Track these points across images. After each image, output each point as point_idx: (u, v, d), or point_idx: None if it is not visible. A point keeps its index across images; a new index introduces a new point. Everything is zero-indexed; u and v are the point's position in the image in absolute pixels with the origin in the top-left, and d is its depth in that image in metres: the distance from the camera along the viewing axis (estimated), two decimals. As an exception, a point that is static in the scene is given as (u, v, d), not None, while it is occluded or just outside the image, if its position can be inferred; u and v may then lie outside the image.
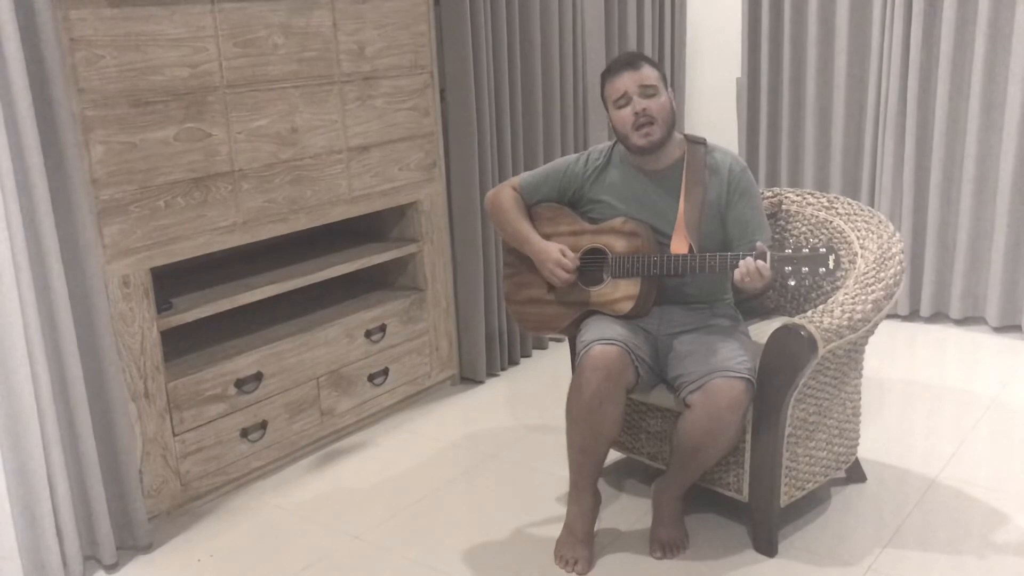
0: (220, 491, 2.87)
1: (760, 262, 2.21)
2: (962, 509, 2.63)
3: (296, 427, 3.05)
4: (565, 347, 3.27)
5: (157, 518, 2.70)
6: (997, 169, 3.83)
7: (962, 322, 4.04)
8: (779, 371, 2.29)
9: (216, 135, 2.70)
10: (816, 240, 2.76)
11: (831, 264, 2.17)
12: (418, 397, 3.52)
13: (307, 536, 2.64)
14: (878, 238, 2.58)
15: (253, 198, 2.83)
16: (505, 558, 2.49)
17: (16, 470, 2.31)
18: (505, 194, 2.66)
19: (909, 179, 4.00)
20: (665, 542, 2.46)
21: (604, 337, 2.35)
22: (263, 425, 2.95)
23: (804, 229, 2.80)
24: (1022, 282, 3.87)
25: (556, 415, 2.55)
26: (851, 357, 2.50)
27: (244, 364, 2.88)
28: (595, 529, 2.49)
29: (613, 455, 2.82)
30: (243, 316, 3.08)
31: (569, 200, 2.63)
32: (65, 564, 2.41)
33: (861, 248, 2.60)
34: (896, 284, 2.45)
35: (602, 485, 2.55)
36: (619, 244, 2.48)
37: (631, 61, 2.44)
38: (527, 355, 3.94)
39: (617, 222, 2.50)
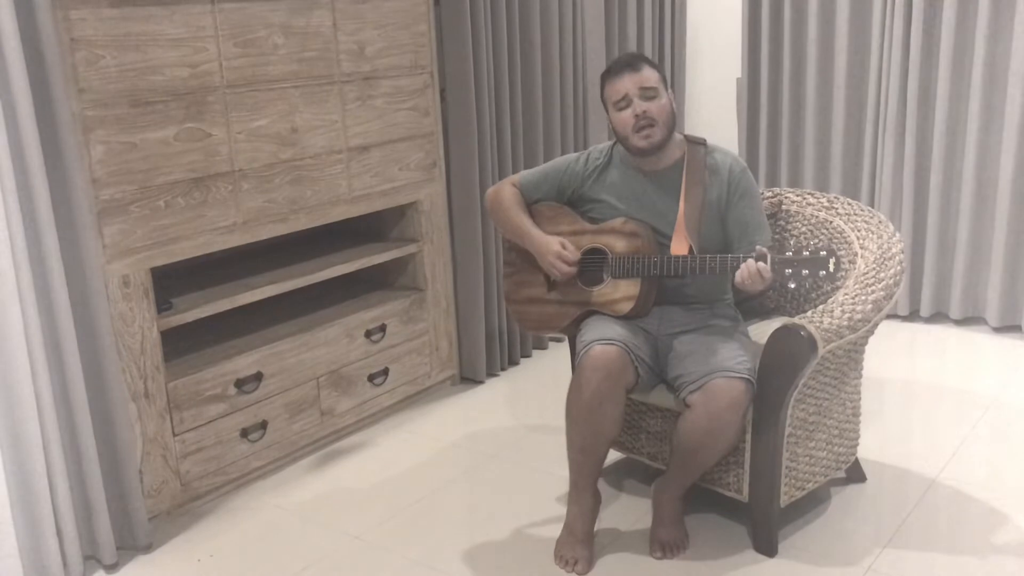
0: (220, 491, 2.87)
1: (761, 264, 2.21)
2: (962, 509, 2.63)
3: (296, 427, 3.05)
4: (565, 347, 3.27)
5: (157, 518, 2.70)
6: (997, 169, 3.83)
7: (962, 322, 4.04)
8: (779, 371, 2.29)
9: (216, 135, 2.70)
10: (816, 241, 2.76)
11: (831, 267, 2.17)
12: (418, 397, 3.52)
13: (307, 536, 2.64)
14: (878, 238, 2.58)
15: (253, 198, 2.83)
16: (505, 558, 2.49)
17: (16, 470, 2.31)
18: (506, 190, 2.66)
19: (909, 179, 4.00)
20: (665, 542, 2.46)
21: (604, 337, 2.35)
22: (263, 425, 2.95)
23: (804, 229, 2.80)
24: (1022, 282, 3.87)
25: (556, 415, 2.55)
26: (851, 357, 2.50)
27: (244, 364, 2.88)
28: (595, 529, 2.49)
29: (613, 455, 2.82)
30: (243, 316, 3.08)
31: (569, 199, 2.63)
32: (65, 564, 2.41)
33: (861, 248, 2.60)
34: (896, 284, 2.45)
35: (602, 485, 2.55)
36: (619, 244, 2.48)
37: (631, 62, 2.44)
38: (527, 355, 3.94)
39: (617, 222, 2.50)
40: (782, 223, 2.85)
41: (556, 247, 2.51)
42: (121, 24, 2.45)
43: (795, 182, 4.43)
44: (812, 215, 2.79)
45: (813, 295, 2.75)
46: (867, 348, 2.63)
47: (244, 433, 2.89)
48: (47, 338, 2.32)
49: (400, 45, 3.21)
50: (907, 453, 2.94)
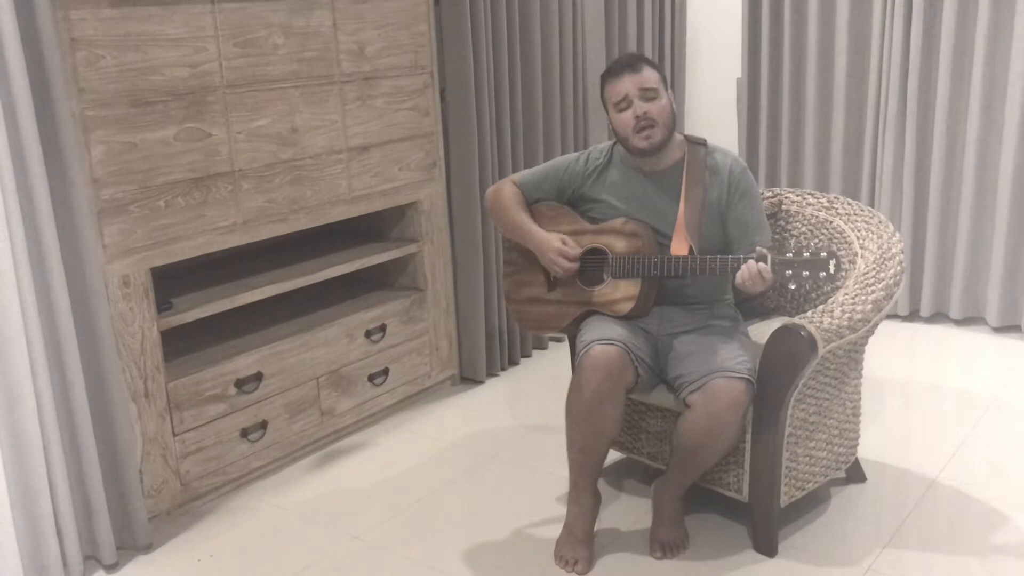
0: (220, 491, 2.87)
1: (762, 265, 2.21)
2: (962, 509, 2.63)
3: (296, 427, 3.05)
4: (565, 347, 3.27)
5: (157, 518, 2.70)
6: (997, 169, 3.83)
7: (962, 322, 4.04)
8: (779, 371, 2.29)
9: (216, 135, 2.70)
10: (816, 241, 2.76)
11: (832, 269, 2.16)
12: (418, 397, 3.52)
13: (307, 536, 2.64)
14: (878, 238, 2.58)
15: (253, 198, 2.83)
16: (505, 558, 2.49)
17: (16, 470, 2.31)
18: (506, 189, 2.66)
19: (909, 179, 4.00)
20: (665, 542, 2.46)
21: (604, 337, 2.35)
22: (263, 425, 2.95)
23: (804, 229, 2.80)
24: (1022, 282, 3.87)
25: (556, 415, 2.55)
26: (851, 357, 2.50)
27: (244, 364, 2.88)
28: (595, 529, 2.49)
29: (613, 455, 2.82)
30: (243, 316, 3.08)
31: (569, 199, 2.63)
32: (65, 564, 2.41)
33: (861, 248, 2.60)
34: (896, 284, 2.45)
35: (602, 485, 2.55)
36: (619, 244, 2.48)
37: (631, 63, 2.44)
38: (527, 355, 3.94)
39: (618, 222, 2.50)
40: (782, 223, 2.85)
41: (557, 244, 2.50)
42: (121, 24, 2.45)
43: (795, 182, 4.43)
44: (812, 215, 2.79)
45: (813, 295, 2.75)
46: (867, 348, 2.63)
47: (244, 433, 2.89)
48: (47, 338, 2.32)
49: (400, 45, 3.21)
50: (907, 453, 2.94)
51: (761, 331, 2.57)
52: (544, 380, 3.71)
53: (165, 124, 2.58)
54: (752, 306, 2.79)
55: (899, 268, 2.47)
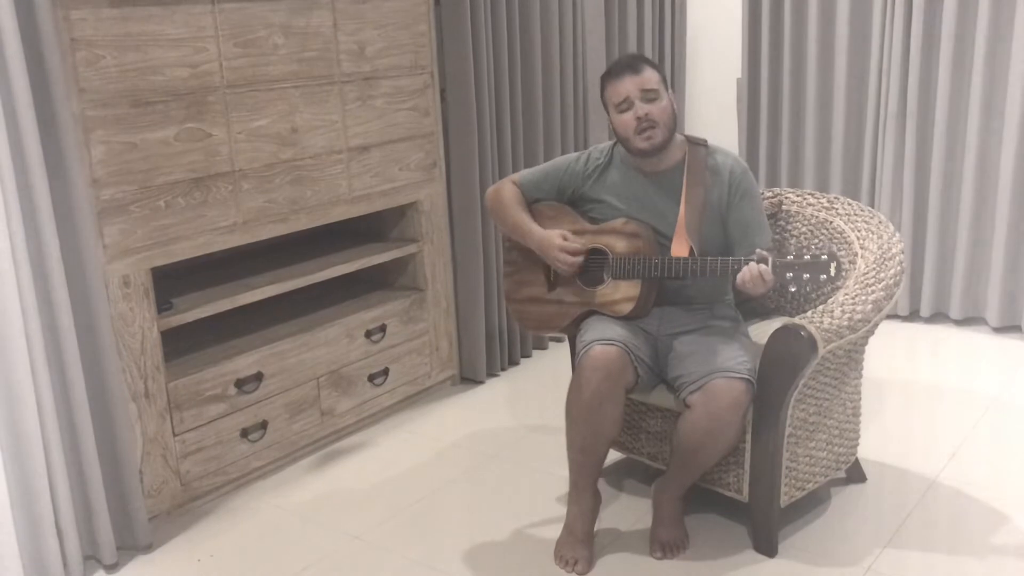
0: (220, 491, 2.87)
1: (763, 267, 2.20)
2: (962, 509, 2.63)
3: (296, 427, 3.06)
4: (565, 347, 3.27)
5: (157, 518, 2.70)
6: (997, 169, 3.83)
7: (962, 322, 4.04)
8: (779, 371, 2.29)
9: (216, 135, 2.70)
10: (816, 241, 2.76)
11: (832, 271, 2.16)
12: (418, 397, 3.52)
13: (307, 536, 2.64)
14: (878, 238, 2.58)
15: (253, 198, 2.83)
16: (505, 558, 2.49)
17: (16, 470, 2.31)
18: (506, 189, 2.66)
19: (909, 179, 4.00)
20: (665, 542, 2.46)
21: (604, 337, 2.35)
22: (263, 425, 2.95)
23: (804, 229, 2.80)
24: (1022, 282, 3.87)
25: (556, 415, 2.55)
26: (851, 357, 2.50)
27: (244, 364, 2.88)
28: (595, 529, 2.49)
29: (613, 455, 2.82)
30: (243, 316, 3.08)
31: (569, 199, 2.63)
32: (65, 564, 2.41)
33: (861, 248, 2.60)
34: (896, 284, 2.45)
35: (602, 485, 2.55)
36: (620, 245, 2.48)
37: (632, 64, 2.43)
38: (527, 355, 3.94)
39: (618, 223, 2.50)
40: (782, 223, 2.85)
41: (558, 241, 2.50)
42: (121, 24, 2.45)
43: (795, 182, 4.43)
44: (812, 215, 2.79)
45: (813, 295, 2.75)
46: (867, 348, 2.63)
47: (244, 433, 2.89)
48: (47, 338, 2.32)
49: (400, 45, 3.21)
50: (907, 453, 2.94)
51: (761, 331, 2.57)
52: (544, 380, 3.71)
53: (165, 124, 2.58)
54: (752, 306, 2.79)
55: (899, 268, 2.47)
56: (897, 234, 2.59)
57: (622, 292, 2.48)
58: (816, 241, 2.77)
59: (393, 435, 3.26)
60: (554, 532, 2.52)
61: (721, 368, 2.30)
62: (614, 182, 2.54)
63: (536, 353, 3.96)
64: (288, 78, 2.87)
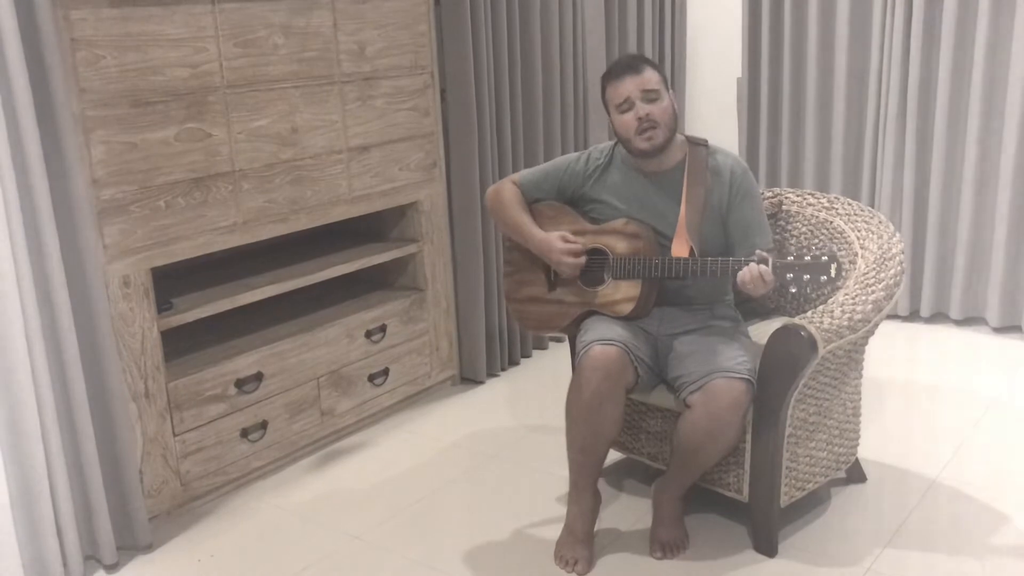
0: (220, 491, 2.87)
1: (763, 267, 2.20)
2: (962, 509, 2.63)
3: (296, 427, 3.06)
4: (565, 347, 3.27)
5: (157, 518, 2.70)
6: (997, 169, 3.83)
7: (962, 323, 4.04)
8: (779, 371, 2.29)
9: (216, 135, 2.70)
10: (817, 241, 2.76)
11: (833, 272, 2.16)
12: (418, 397, 3.52)
13: (307, 536, 2.64)
14: (878, 238, 2.58)
15: (253, 198, 2.83)
16: (505, 558, 2.49)
17: (16, 470, 2.31)
18: (506, 189, 2.66)
19: (909, 179, 4.00)
20: (665, 542, 2.46)
21: (604, 337, 2.35)
22: (263, 425, 2.95)
23: (804, 230, 2.80)
24: (1022, 283, 3.87)
25: (556, 415, 2.55)
26: (851, 357, 2.50)
27: (244, 364, 2.88)
28: (595, 529, 2.49)
29: (613, 455, 2.82)
30: (243, 316, 3.08)
31: (569, 199, 2.63)
32: (65, 564, 2.41)
33: (861, 248, 2.60)
34: (896, 284, 2.45)
35: (602, 485, 2.55)
36: (620, 245, 2.48)
37: (632, 64, 2.43)
38: (527, 355, 3.94)
39: (619, 223, 2.50)
40: (782, 223, 2.85)
41: (560, 244, 2.50)
42: (121, 24, 2.45)
43: (795, 182, 4.43)
44: (812, 215, 2.79)
45: (814, 296, 2.75)
46: (867, 348, 2.63)
47: (244, 433, 2.89)
48: (47, 338, 2.32)
49: (400, 45, 3.21)
50: (907, 453, 2.94)
51: (761, 331, 2.57)
52: (544, 380, 3.71)
53: (165, 124, 2.58)
54: (752, 307, 2.79)
55: (899, 268, 2.47)
56: (897, 234, 2.59)
57: (622, 292, 2.48)
58: (816, 241, 2.77)
59: (393, 435, 3.26)
60: (554, 532, 2.52)
61: (721, 368, 2.30)
62: (615, 182, 2.54)
63: (536, 353, 3.96)
64: (288, 78, 2.87)
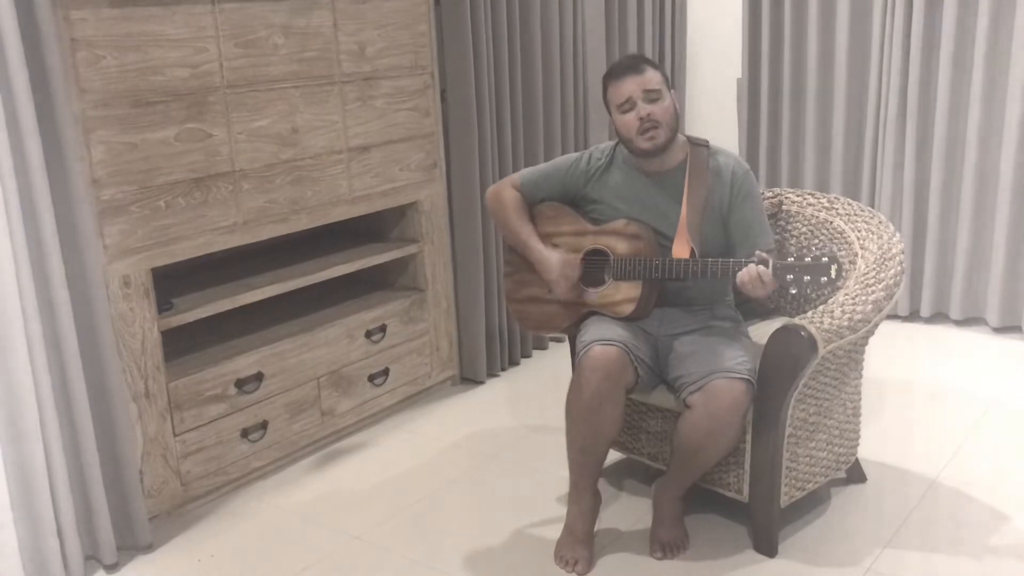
0: (220, 491, 2.87)
1: (762, 268, 2.20)
2: (962, 509, 2.63)
3: (296, 427, 3.06)
4: (565, 347, 3.27)
5: (158, 518, 2.70)
6: (997, 170, 3.83)
7: (962, 323, 4.05)
8: (779, 372, 2.29)
9: (217, 135, 2.70)
10: (817, 242, 2.76)
11: (833, 273, 2.16)
12: (418, 397, 3.52)
13: (308, 536, 2.64)
14: (878, 239, 2.58)
15: (254, 198, 2.83)
16: (505, 558, 2.50)
17: (17, 470, 2.31)
18: (506, 194, 2.66)
19: (909, 180, 4.00)
20: (665, 542, 2.46)
21: (604, 338, 2.35)
22: (263, 425, 2.95)
23: (804, 230, 2.80)
24: (1022, 283, 3.87)
25: (556, 415, 2.55)
26: (851, 358, 2.50)
27: (245, 364, 2.88)
28: (595, 529, 2.49)
29: (613, 455, 2.82)
30: (244, 316, 3.08)
31: (570, 199, 2.63)
32: (65, 564, 2.41)
33: (861, 249, 2.60)
34: (896, 285, 2.45)
35: (602, 485, 2.55)
36: (621, 246, 2.48)
37: (634, 64, 2.43)
38: (527, 355, 3.94)
39: (619, 224, 2.50)
40: (782, 223, 2.85)
41: (555, 274, 2.51)
42: (122, 24, 2.45)
43: (795, 182, 4.43)
44: (812, 215, 2.79)
45: (814, 297, 2.75)
46: (867, 348, 2.63)
47: (244, 433, 2.89)
48: (48, 338, 2.32)
49: (400, 45, 3.21)
50: (907, 453, 2.95)
51: (761, 331, 2.57)
52: (544, 380, 3.71)
53: (166, 124, 2.58)
54: (752, 307, 2.79)
55: (899, 268, 2.48)
56: (897, 234, 2.59)
57: (623, 293, 2.48)
58: (816, 241, 2.77)
59: (393, 435, 3.26)
60: (554, 532, 2.52)
61: (721, 368, 2.30)
62: (616, 183, 2.54)
63: (536, 353, 3.96)
64: (288, 78, 2.87)
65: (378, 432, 3.28)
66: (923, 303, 4.09)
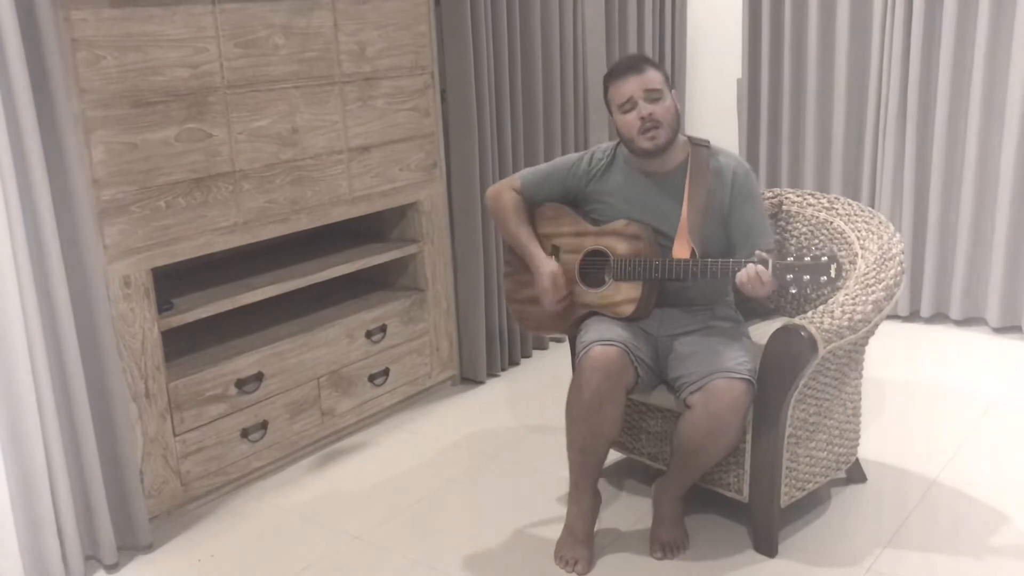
0: (221, 491, 2.87)
1: (761, 268, 2.20)
2: (962, 509, 2.63)
3: (297, 427, 3.06)
4: (565, 347, 3.27)
5: (158, 518, 2.70)
6: (998, 170, 3.83)
7: (962, 323, 4.05)
8: (779, 372, 2.29)
9: (217, 135, 2.70)
10: (817, 242, 2.76)
11: (833, 273, 2.16)
12: (418, 397, 3.52)
13: (308, 536, 2.64)
14: (878, 239, 2.58)
15: (254, 198, 2.83)
16: (505, 558, 2.50)
17: (17, 470, 2.31)
18: (506, 196, 2.66)
19: (909, 180, 4.00)
20: (665, 542, 2.46)
21: (604, 338, 2.35)
22: (264, 425, 2.95)
23: (805, 230, 2.80)
24: (1022, 283, 3.87)
25: (556, 415, 2.55)
26: (851, 358, 2.50)
27: (245, 364, 2.88)
28: (595, 529, 2.49)
29: (613, 455, 2.83)
30: (244, 316, 3.08)
31: (571, 199, 2.63)
32: (65, 564, 2.41)
33: (862, 249, 2.60)
34: (896, 285, 2.45)
35: (602, 485, 2.55)
36: (621, 246, 2.48)
37: (634, 64, 2.43)
38: (527, 355, 3.94)
39: (619, 224, 2.50)
40: (782, 223, 2.85)
41: (548, 283, 2.52)
42: (122, 24, 2.45)
43: (795, 182, 4.43)
44: (812, 215, 2.79)
45: (814, 296, 2.75)
46: (867, 348, 2.63)
47: (245, 433, 2.89)
48: (48, 338, 2.32)
49: (400, 46, 3.21)
50: (907, 453, 2.95)
51: (762, 331, 2.57)
52: (544, 380, 3.71)
53: (166, 124, 2.58)
54: (752, 307, 2.79)
55: (899, 268, 2.48)
56: (897, 234, 2.59)
57: (623, 294, 2.48)
58: (816, 242, 2.77)
59: (393, 435, 3.26)
60: (554, 532, 2.52)
61: (721, 368, 2.30)
62: (617, 183, 2.54)
63: (536, 353, 3.96)
64: (288, 78, 2.87)
65: (378, 432, 3.28)
66: (923, 303, 4.09)
